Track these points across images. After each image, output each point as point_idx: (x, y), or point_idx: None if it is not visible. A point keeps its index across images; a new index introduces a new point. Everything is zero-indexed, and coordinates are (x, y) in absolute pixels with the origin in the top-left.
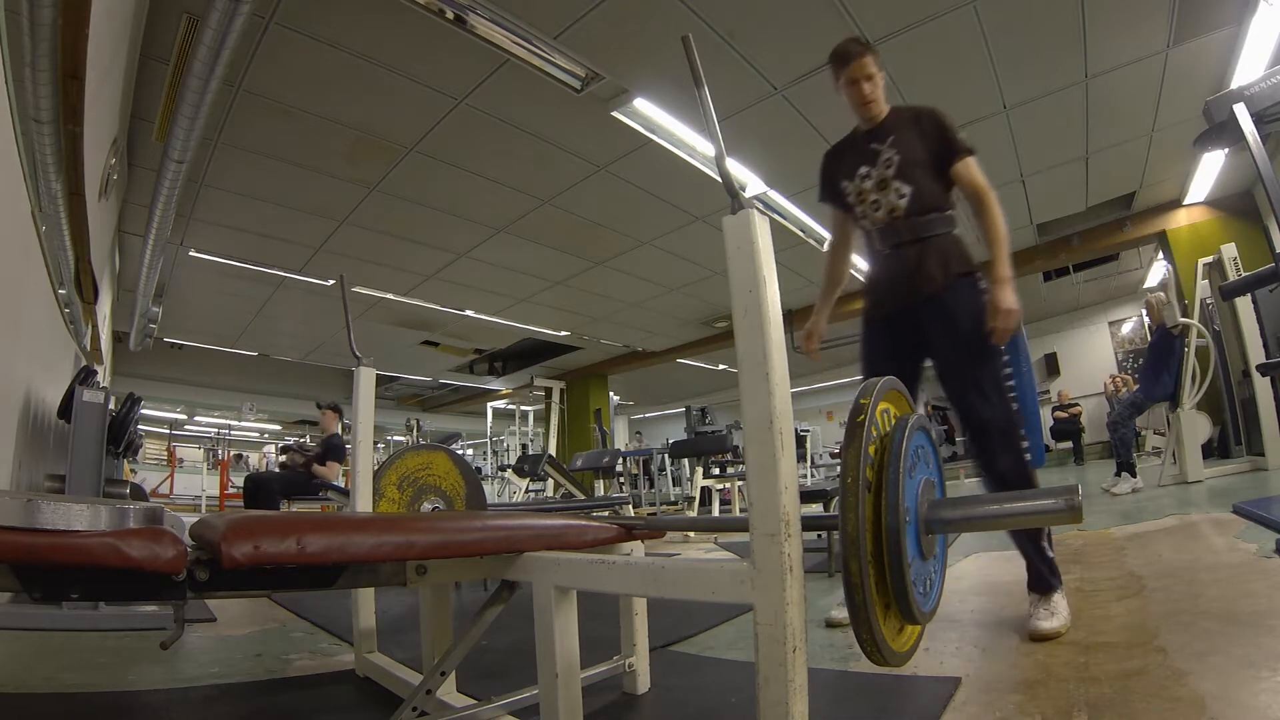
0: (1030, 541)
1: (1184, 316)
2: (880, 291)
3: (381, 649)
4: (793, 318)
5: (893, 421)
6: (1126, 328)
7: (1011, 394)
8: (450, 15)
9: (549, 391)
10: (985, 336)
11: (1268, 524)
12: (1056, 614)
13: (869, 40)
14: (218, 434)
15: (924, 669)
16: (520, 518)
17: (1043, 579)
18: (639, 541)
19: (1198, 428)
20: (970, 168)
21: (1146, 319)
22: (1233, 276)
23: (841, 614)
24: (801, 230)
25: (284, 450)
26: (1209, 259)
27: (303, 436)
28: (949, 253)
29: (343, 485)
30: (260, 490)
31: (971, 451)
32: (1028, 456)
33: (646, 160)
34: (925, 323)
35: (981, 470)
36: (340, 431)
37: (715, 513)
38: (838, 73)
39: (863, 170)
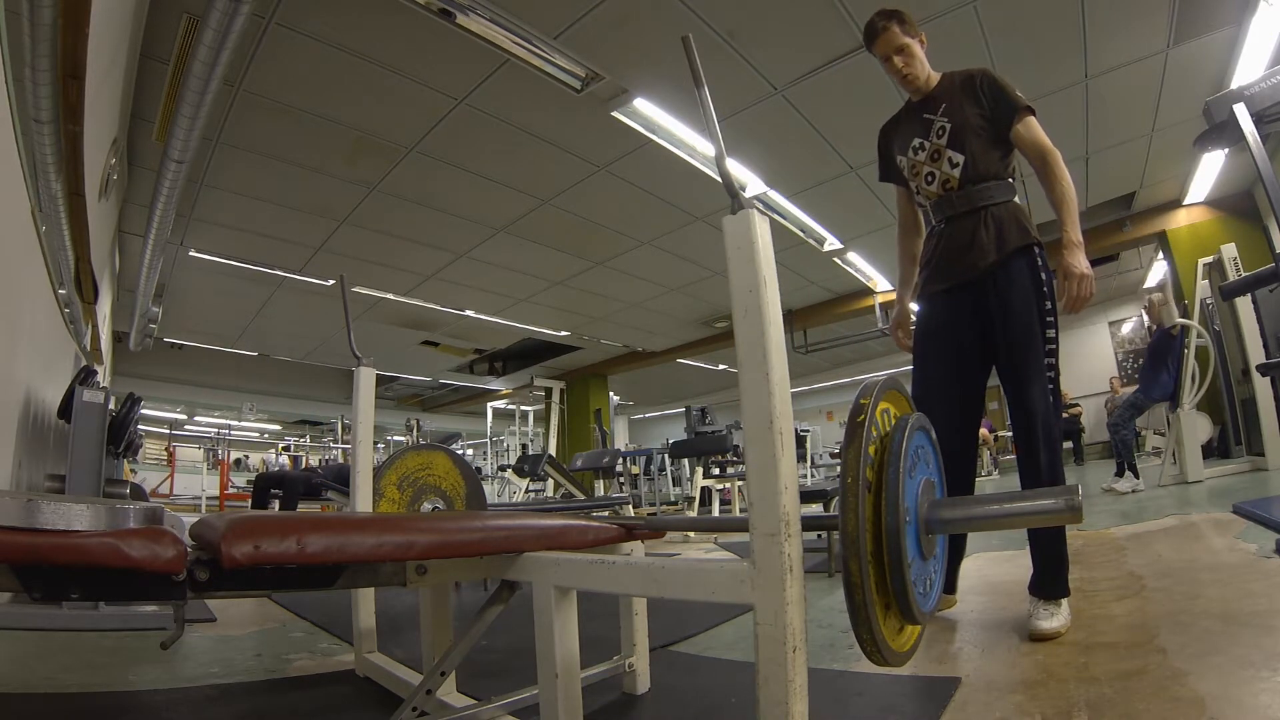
0: (1054, 542)
1: (1182, 317)
2: (934, 268)
3: (381, 649)
4: (793, 318)
5: (893, 421)
6: (1126, 328)
7: (1052, 384)
8: (450, 15)
9: (549, 391)
10: (1041, 317)
11: (1268, 524)
12: (1057, 615)
13: (898, 8)
14: (218, 434)
15: (924, 669)
16: (520, 518)
17: (1056, 583)
18: (639, 541)
19: (1198, 428)
20: (1031, 127)
21: (1146, 319)
22: (1233, 276)
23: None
24: (801, 230)
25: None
26: (1209, 259)
27: (302, 437)
28: (1005, 223)
29: None
30: (274, 487)
31: (1015, 440)
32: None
33: (646, 160)
34: (981, 300)
35: (1021, 461)
36: None
37: (715, 513)
38: (871, 53)
39: (916, 142)
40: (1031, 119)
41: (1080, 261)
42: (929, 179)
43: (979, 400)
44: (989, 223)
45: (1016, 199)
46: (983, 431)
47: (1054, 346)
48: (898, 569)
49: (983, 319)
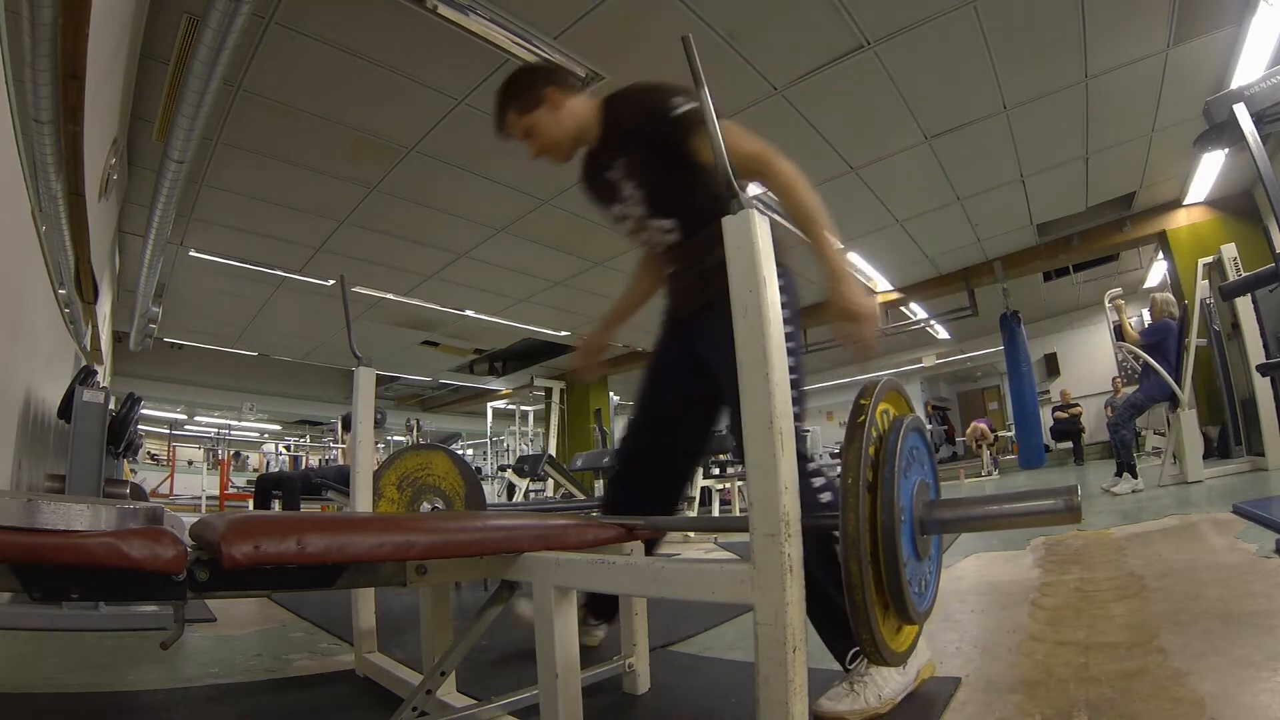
0: (812, 581)
1: (1183, 316)
2: (667, 301)
3: (381, 649)
4: None
5: (890, 422)
6: None
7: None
8: (450, 15)
9: (549, 391)
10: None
11: (1268, 524)
12: (860, 692)
13: (516, 74)
14: (218, 434)
15: None
16: (520, 518)
17: (833, 638)
18: (639, 541)
19: (1196, 438)
20: (771, 167)
21: (1149, 318)
22: (1233, 276)
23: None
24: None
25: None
26: (1209, 259)
27: (302, 437)
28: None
29: None
30: (274, 488)
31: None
32: None
33: None
34: (699, 329)
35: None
36: None
37: (715, 513)
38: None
39: (614, 209)
40: (772, 157)
41: (856, 294)
42: (648, 243)
43: (699, 433)
44: (715, 269)
45: None
46: (982, 428)
47: (795, 365)
48: (893, 568)
49: (701, 348)
